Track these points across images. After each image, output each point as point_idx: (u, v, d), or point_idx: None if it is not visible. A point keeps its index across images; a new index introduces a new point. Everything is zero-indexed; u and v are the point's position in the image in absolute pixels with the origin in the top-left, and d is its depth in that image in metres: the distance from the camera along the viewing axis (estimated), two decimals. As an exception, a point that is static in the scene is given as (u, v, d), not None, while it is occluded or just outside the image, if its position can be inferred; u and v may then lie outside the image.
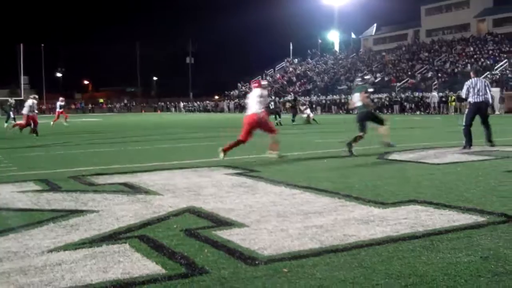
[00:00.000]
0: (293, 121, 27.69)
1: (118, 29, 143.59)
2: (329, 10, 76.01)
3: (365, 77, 12.63)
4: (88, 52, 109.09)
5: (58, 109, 30.12)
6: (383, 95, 50.77)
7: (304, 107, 30.64)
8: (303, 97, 55.17)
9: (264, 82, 10.89)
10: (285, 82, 77.19)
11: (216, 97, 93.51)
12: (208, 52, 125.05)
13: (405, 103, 47.92)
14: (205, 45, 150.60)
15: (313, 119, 28.26)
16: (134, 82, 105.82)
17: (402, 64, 63.21)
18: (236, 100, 76.77)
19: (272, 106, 27.96)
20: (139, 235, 4.38)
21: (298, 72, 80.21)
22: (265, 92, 10.42)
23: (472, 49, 57.37)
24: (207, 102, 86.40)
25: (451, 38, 64.55)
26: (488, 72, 47.90)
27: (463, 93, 11.81)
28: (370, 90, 12.11)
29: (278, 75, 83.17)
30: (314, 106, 53.53)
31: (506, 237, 4.07)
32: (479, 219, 4.70)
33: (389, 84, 56.83)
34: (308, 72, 77.58)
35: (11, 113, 29.50)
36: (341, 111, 52.94)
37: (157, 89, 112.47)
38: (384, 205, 5.43)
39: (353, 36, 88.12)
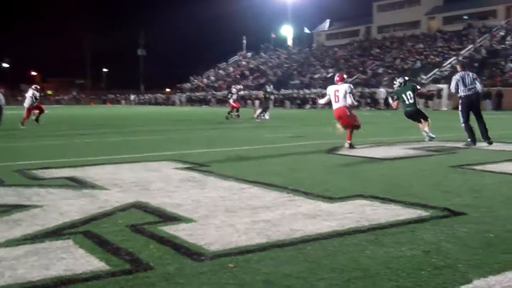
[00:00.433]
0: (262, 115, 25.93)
1: (68, 18, 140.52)
2: (283, 4, 76.09)
3: (406, 78, 13.02)
4: (36, 43, 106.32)
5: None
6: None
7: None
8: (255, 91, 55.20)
9: (345, 76, 11.79)
10: (238, 76, 77.10)
11: (168, 90, 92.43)
12: (161, 44, 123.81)
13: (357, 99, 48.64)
14: (157, 37, 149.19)
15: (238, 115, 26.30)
16: (83, 74, 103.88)
17: (354, 60, 64.13)
18: (188, 93, 76.17)
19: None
20: (84, 231, 4.29)
21: (251, 66, 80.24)
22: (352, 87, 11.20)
23: (422, 46, 58.60)
24: (158, 95, 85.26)
25: (402, 35, 65.81)
26: (437, 69, 49.11)
27: (452, 87, 11.57)
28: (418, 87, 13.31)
29: (231, 68, 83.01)
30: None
31: (447, 232, 4.17)
32: (423, 213, 4.81)
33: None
34: (261, 66, 77.70)
35: None
36: (293, 106, 53.33)
37: (107, 81, 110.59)
38: (331, 200, 5.48)
39: (306, 31, 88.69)
